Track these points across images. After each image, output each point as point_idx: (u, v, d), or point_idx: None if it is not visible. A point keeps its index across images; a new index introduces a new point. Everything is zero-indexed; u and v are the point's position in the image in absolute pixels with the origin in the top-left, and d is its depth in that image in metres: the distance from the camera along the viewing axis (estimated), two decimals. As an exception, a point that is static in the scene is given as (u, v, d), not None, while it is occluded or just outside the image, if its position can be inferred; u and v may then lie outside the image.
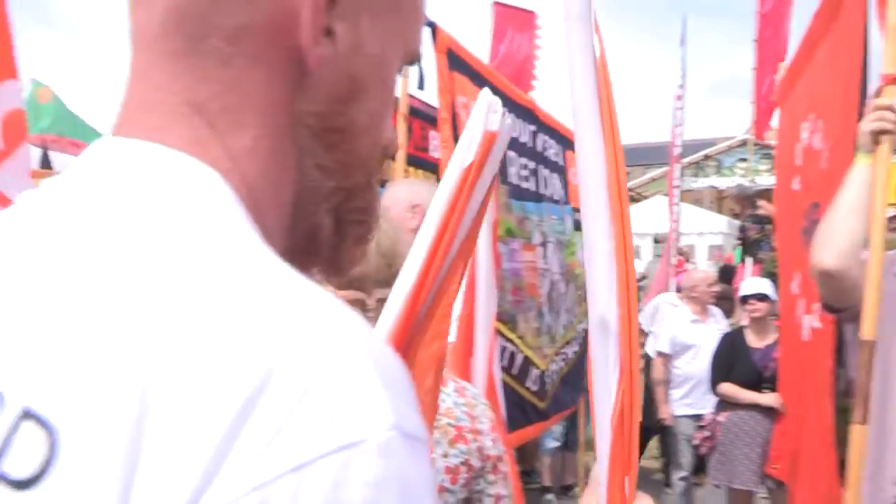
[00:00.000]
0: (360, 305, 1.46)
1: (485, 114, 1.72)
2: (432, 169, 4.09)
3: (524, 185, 4.69)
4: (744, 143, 17.09)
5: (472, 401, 1.51)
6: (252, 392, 0.41)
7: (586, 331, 5.44)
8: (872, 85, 2.34)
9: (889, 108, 2.17)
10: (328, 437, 0.41)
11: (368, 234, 0.66)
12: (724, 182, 17.50)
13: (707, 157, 18.19)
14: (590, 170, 1.64)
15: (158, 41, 0.52)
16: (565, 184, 5.47)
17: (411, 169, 4.28)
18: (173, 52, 0.52)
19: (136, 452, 0.41)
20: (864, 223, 2.17)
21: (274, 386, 0.41)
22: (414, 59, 0.63)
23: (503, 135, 1.91)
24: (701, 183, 17.97)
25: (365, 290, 1.47)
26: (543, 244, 4.80)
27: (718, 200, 19.10)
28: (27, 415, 0.43)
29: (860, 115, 2.37)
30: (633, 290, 1.58)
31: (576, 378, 4.81)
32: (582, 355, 5.26)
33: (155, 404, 0.41)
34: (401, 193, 2.84)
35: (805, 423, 2.94)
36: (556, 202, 5.23)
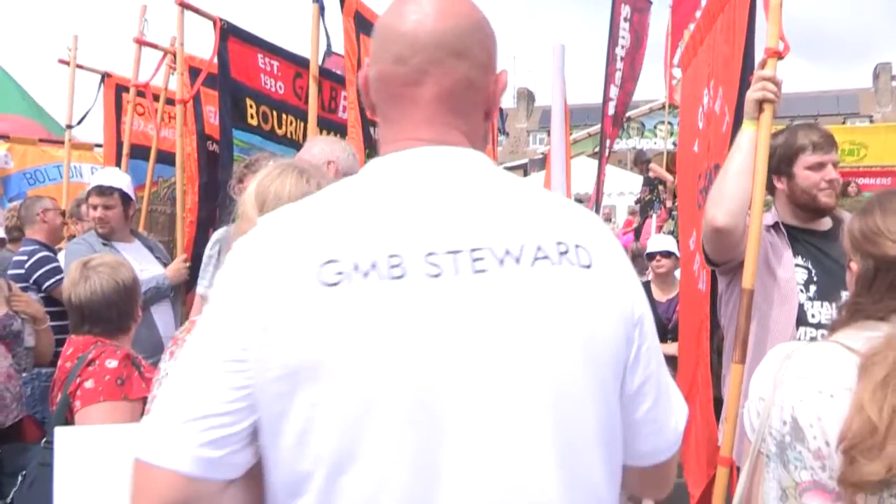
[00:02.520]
0: None
1: None
2: (341, 130, 4.16)
3: None
4: (664, 106, 17.57)
5: None
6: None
7: None
8: (758, 58, 2.54)
9: (771, 80, 2.38)
10: None
11: None
12: (646, 144, 18.01)
13: (629, 120, 18.65)
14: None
15: (444, 101, 1.10)
16: None
17: (322, 131, 4.36)
18: (451, 108, 1.10)
19: (618, 257, 1.11)
20: (750, 183, 2.39)
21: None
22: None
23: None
24: (623, 145, 18.44)
25: None
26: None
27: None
28: (560, 243, 1.03)
29: (744, 85, 2.58)
30: None
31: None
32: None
33: (596, 242, 1.07)
34: (316, 149, 2.93)
35: (696, 367, 3.21)
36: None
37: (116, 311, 2.49)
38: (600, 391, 1.03)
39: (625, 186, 16.39)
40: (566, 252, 1.03)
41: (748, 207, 2.40)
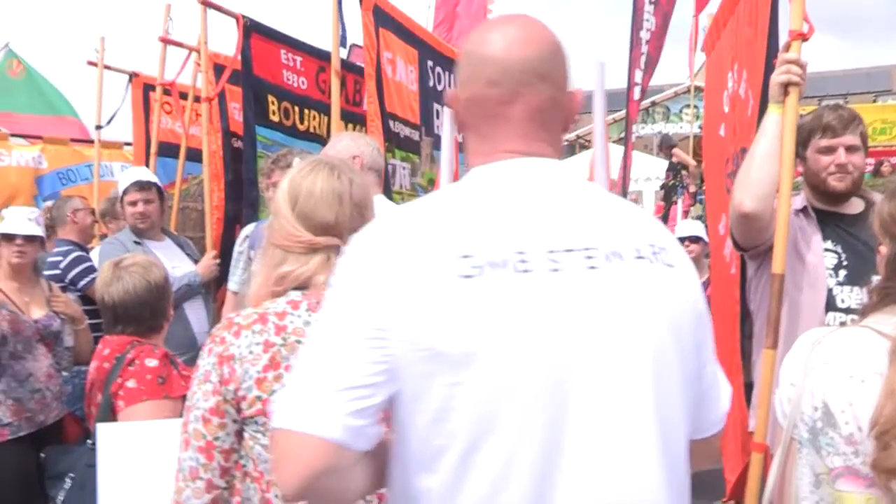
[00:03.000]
0: (335, 250, 1.59)
1: None
2: (366, 123, 4.18)
3: None
4: (689, 90, 17.34)
5: None
6: None
7: None
8: (782, 40, 2.50)
9: (796, 62, 2.35)
10: None
11: None
12: (672, 128, 17.79)
13: (655, 104, 18.40)
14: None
15: (533, 118, 1.23)
16: None
17: (347, 125, 4.36)
18: (539, 124, 1.24)
19: (686, 257, 1.29)
20: (777, 167, 2.36)
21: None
22: None
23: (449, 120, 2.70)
24: (649, 129, 18.23)
25: (341, 237, 1.60)
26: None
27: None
28: (651, 245, 1.20)
29: (769, 68, 2.55)
30: None
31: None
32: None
33: (671, 245, 1.24)
34: (341, 145, 2.96)
35: (729, 352, 3.20)
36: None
37: (149, 311, 2.51)
38: (683, 372, 1.19)
39: (651, 171, 16.25)
40: (657, 253, 1.20)
41: (776, 191, 2.38)
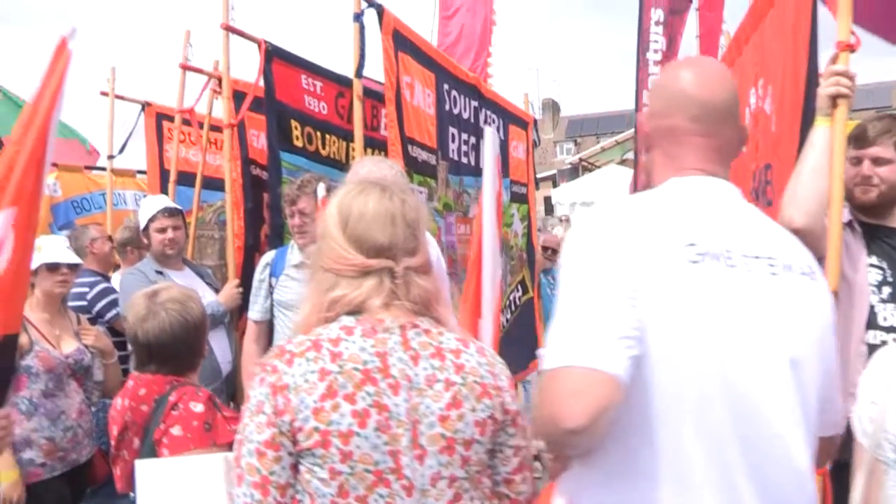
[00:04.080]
0: (388, 272, 1.53)
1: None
2: (384, 147, 4.13)
3: (463, 160, 4.81)
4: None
5: (491, 360, 1.59)
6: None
7: (518, 299, 5.64)
8: (822, 53, 2.47)
9: (844, 74, 2.30)
10: None
11: None
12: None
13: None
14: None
15: (720, 149, 1.52)
16: (506, 157, 5.59)
17: (366, 149, 4.34)
18: (724, 154, 1.54)
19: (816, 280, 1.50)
20: (826, 182, 2.30)
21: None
22: None
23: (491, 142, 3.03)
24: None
25: (395, 258, 1.54)
26: (479, 217, 4.92)
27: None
28: (810, 264, 1.49)
29: (810, 82, 2.50)
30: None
31: (509, 346, 4.96)
32: (515, 323, 5.45)
33: (815, 269, 1.50)
34: (363, 170, 2.91)
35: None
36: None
37: (187, 349, 2.36)
38: (821, 374, 1.42)
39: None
40: (814, 273, 1.47)
41: (826, 206, 2.31)
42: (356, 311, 1.53)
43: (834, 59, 2.35)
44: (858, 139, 2.54)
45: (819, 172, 2.32)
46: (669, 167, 1.51)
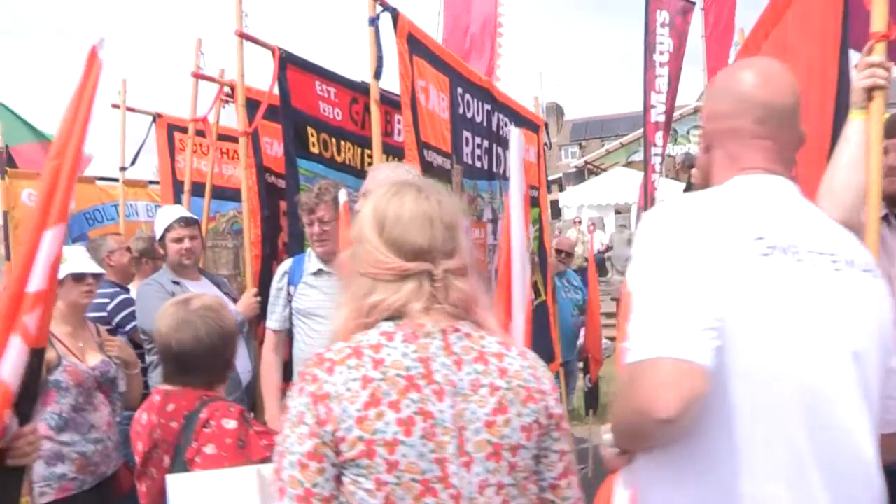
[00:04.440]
0: (427, 276, 1.49)
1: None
2: (399, 153, 4.09)
3: (477, 164, 4.77)
4: (696, 111, 17.36)
5: (533, 363, 1.55)
6: None
7: (531, 302, 5.64)
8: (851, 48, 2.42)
9: (880, 65, 2.25)
10: None
11: None
12: (680, 150, 17.79)
13: (660, 126, 18.43)
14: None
15: (781, 150, 1.55)
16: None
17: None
18: (784, 154, 1.56)
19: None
20: (863, 176, 2.25)
21: None
22: None
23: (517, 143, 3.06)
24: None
25: (434, 261, 1.50)
26: (493, 220, 4.88)
27: (674, 168, 19.46)
28: (869, 262, 1.51)
29: (842, 78, 2.45)
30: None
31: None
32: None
33: (873, 267, 1.51)
34: (381, 176, 2.87)
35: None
36: (508, 179, 5.39)
37: (220, 360, 2.26)
38: (881, 370, 1.44)
39: (661, 194, 16.17)
40: (873, 270, 1.49)
41: (863, 201, 2.26)
42: (395, 315, 1.48)
43: (869, 51, 2.30)
44: (887, 130, 2.49)
45: (854, 166, 2.27)
46: (732, 167, 1.54)
